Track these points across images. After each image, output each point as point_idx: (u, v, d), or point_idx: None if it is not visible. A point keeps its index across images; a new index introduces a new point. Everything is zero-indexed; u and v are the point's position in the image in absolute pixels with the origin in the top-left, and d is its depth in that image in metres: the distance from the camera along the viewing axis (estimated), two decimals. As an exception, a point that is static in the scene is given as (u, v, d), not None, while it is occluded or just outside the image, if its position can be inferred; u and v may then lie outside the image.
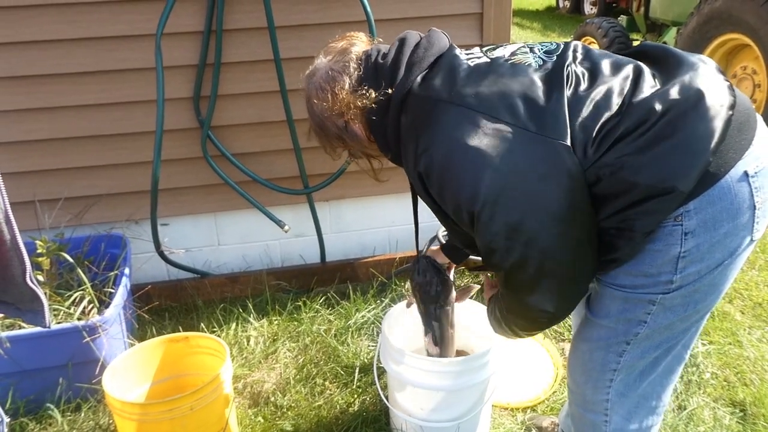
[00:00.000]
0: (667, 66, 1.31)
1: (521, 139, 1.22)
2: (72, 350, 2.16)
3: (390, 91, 1.41)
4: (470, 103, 1.28)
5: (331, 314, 2.77)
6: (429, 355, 1.91)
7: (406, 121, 1.40)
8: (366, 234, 3.13)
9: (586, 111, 1.24)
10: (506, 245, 1.26)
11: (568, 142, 1.21)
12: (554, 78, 1.29)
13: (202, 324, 2.72)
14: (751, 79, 4.84)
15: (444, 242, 2.04)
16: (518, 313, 1.42)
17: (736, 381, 2.35)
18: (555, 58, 1.35)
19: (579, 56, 1.36)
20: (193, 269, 2.94)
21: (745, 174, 1.24)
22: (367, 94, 1.42)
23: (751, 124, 1.28)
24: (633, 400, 1.50)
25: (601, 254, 1.31)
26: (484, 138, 1.24)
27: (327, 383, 2.38)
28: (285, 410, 2.26)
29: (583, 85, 1.28)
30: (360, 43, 1.51)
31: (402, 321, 2.14)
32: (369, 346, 2.56)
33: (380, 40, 1.56)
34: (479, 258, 1.42)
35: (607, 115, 1.24)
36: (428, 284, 1.83)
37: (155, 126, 2.57)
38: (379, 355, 2.03)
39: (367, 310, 2.74)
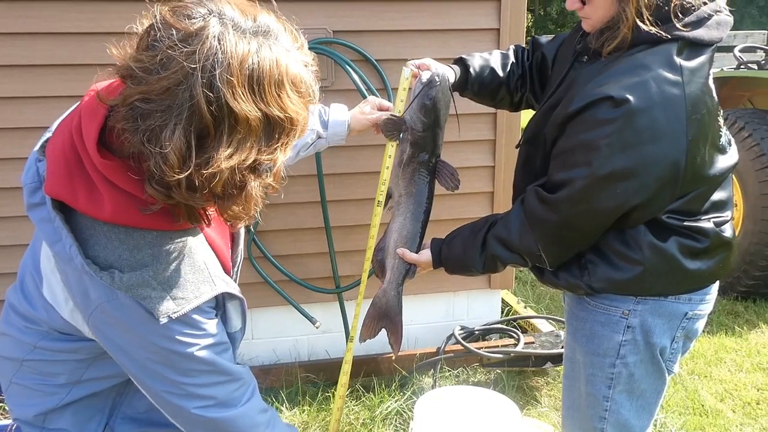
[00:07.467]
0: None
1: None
2: None
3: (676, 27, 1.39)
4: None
5: (356, 405, 3.00)
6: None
7: (644, 57, 1.39)
8: (387, 331, 3.40)
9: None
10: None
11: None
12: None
13: (237, 412, 2.92)
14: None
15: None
16: (518, 235, 1.59)
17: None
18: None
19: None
20: (228, 361, 3.18)
21: (685, 314, 1.56)
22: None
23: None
24: None
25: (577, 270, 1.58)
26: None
27: (358, 469, 2.59)
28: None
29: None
30: None
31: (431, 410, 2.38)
32: (394, 435, 2.79)
33: None
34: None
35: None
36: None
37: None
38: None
39: (390, 402, 2.98)
